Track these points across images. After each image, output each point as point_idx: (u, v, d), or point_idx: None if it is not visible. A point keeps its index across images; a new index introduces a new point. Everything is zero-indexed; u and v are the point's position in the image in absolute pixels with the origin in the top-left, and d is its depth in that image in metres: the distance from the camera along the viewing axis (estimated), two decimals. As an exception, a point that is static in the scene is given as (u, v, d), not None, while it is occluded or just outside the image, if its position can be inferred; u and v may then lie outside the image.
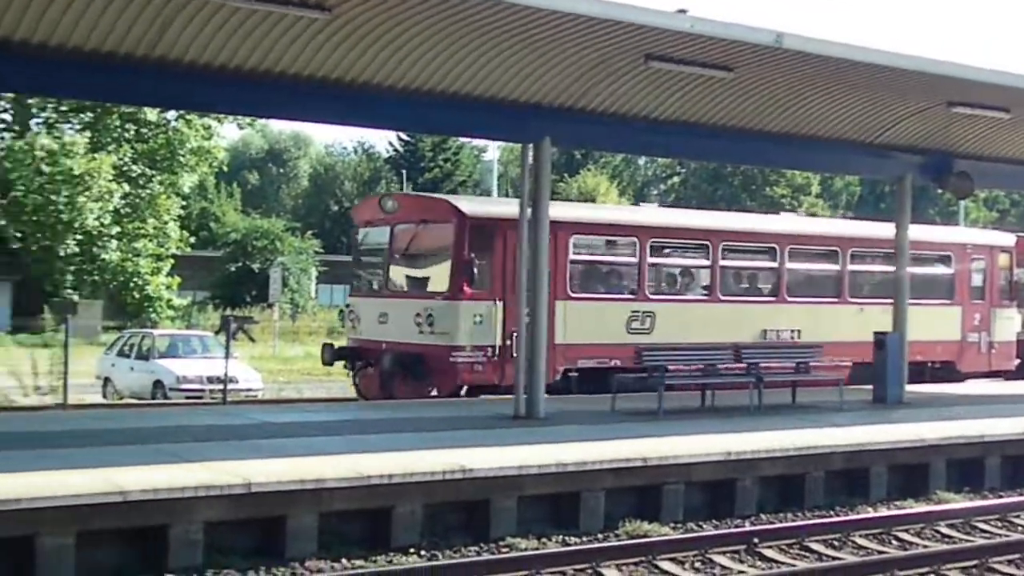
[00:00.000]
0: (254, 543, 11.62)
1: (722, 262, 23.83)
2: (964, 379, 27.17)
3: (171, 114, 53.39)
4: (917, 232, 23.14)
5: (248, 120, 59.99)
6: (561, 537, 12.91)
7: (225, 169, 65.43)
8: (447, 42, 15.61)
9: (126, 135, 54.11)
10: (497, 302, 20.83)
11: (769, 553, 12.58)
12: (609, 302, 22.37)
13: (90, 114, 53.17)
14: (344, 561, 11.59)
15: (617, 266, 23.31)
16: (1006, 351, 28.44)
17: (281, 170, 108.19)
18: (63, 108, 53.17)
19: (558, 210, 22.44)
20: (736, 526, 13.88)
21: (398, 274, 23.04)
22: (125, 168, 52.64)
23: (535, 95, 17.31)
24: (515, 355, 19.71)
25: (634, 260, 22.68)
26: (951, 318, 27.06)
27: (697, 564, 12.14)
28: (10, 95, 49.00)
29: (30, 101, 52.07)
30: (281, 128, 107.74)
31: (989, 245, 28.94)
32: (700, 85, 17.95)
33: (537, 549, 12.30)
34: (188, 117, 52.95)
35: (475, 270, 20.75)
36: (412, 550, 12.07)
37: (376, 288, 23.28)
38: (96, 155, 50.53)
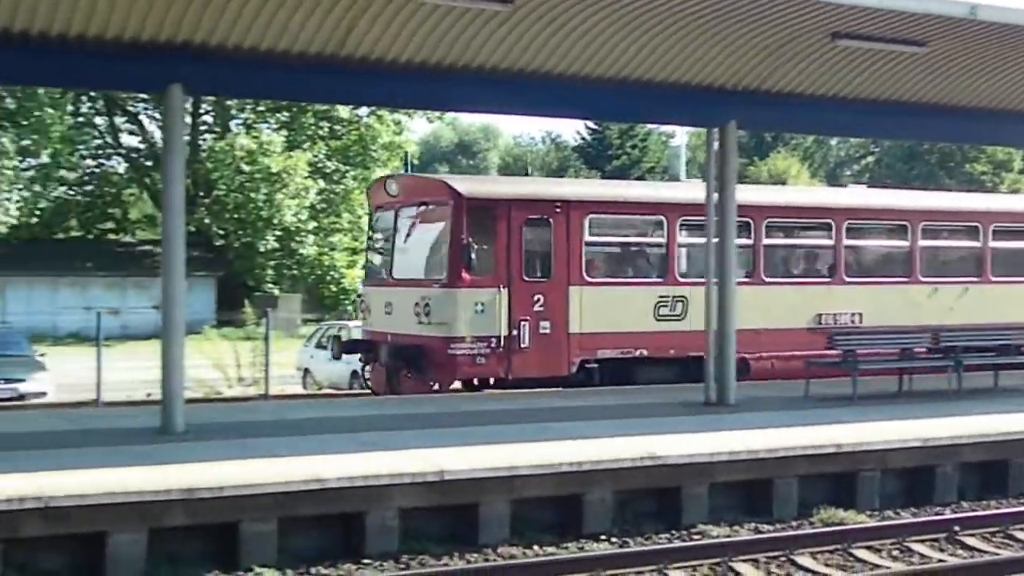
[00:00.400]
0: (448, 529, 11.84)
1: (766, 240, 21.64)
2: None
3: (363, 111, 54.64)
4: (1002, 202, 21.19)
5: (438, 114, 60.94)
6: (754, 525, 12.80)
7: (416, 163, 66.52)
8: (629, 28, 15.55)
9: (320, 133, 55.62)
10: (501, 289, 19.21)
11: (971, 542, 12.23)
12: (632, 287, 20.62)
13: (286, 113, 54.82)
14: (536, 547, 11.71)
15: (642, 247, 21.56)
16: None
17: (471, 162, 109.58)
18: (260, 108, 54.95)
19: (569, 188, 21.44)
20: (936, 514, 13.52)
21: (401, 261, 21.13)
22: (320, 165, 54.11)
23: (719, 78, 17.11)
24: (523, 345, 19.15)
25: (662, 240, 20.96)
26: None
27: (895, 552, 11.89)
28: (211, 98, 50.84)
29: (229, 103, 53.93)
30: (471, 121, 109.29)
31: None
32: (890, 61, 17.45)
33: (729, 536, 12.22)
34: (379, 113, 54.08)
35: (473, 255, 19.10)
36: (603, 536, 12.12)
37: (383, 276, 21.52)
38: (292, 153, 52.05)
